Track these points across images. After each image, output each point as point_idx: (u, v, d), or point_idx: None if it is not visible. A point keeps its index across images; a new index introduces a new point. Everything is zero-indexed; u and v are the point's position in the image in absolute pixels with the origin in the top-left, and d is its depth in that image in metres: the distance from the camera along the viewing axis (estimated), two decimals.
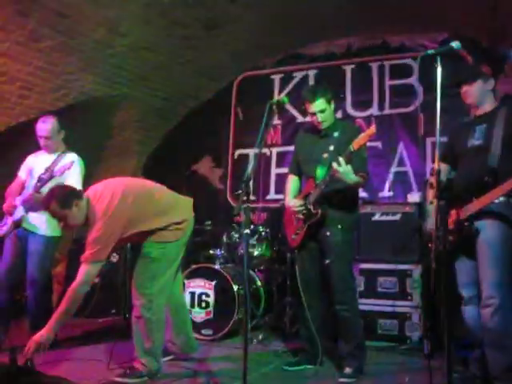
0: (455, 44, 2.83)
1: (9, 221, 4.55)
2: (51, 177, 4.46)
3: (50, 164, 4.61)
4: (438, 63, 2.78)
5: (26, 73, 5.53)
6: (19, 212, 4.51)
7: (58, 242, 4.80)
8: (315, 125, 4.06)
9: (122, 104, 6.69)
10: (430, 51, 2.82)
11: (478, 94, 3.50)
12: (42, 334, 3.31)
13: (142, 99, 6.72)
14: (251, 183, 3.21)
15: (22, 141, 5.38)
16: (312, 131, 4.17)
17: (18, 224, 4.53)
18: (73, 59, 5.64)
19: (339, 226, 3.90)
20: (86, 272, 3.49)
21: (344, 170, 3.60)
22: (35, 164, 4.74)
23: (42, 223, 4.57)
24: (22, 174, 4.80)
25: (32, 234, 4.57)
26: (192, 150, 7.34)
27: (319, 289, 4.08)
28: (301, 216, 3.99)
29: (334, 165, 3.60)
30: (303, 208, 3.95)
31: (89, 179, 7.05)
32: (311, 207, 3.90)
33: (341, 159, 3.60)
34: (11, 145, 5.76)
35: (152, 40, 5.83)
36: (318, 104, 3.94)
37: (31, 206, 4.50)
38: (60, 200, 3.52)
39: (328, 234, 3.91)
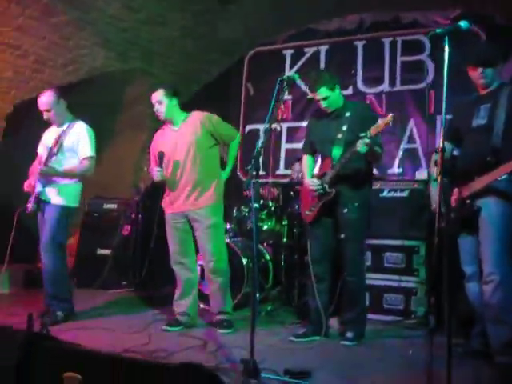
0: (463, 23, 2.83)
1: (32, 198, 4.58)
2: (60, 149, 4.55)
3: (58, 136, 4.66)
4: (446, 43, 2.79)
5: (39, 47, 5.61)
6: (38, 187, 4.55)
7: (74, 213, 4.81)
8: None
9: (135, 79, 6.76)
10: (438, 30, 2.83)
11: (492, 76, 3.53)
12: None
13: (154, 74, 6.77)
14: (261, 158, 3.33)
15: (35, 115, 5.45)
16: (323, 113, 4.25)
17: (38, 198, 4.56)
18: (86, 34, 5.70)
19: (356, 204, 4.05)
20: None
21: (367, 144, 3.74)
22: (46, 138, 4.79)
23: (54, 193, 4.60)
24: (40, 150, 4.83)
25: (47, 204, 4.60)
26: None
27: (330, 263, 4.22)
28: (316, 194, 4.10)
29: (359, 144, 3.74)
30: (320, 187, 4.07)
31: (102, 152, 7.20)
32: (326, 186, 4.04)
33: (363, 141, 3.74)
34: (25, 118, 5.85)
35: (165, 15, 5.86)
36: (320, 93, 4.08)
37: (42, 179, 4.55)
38: None
39: (345, 211, 4.05)
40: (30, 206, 4.53)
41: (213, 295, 4.52)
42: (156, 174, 4.35)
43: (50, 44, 5.60)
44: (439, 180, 2.64)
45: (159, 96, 4.41)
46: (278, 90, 3.44)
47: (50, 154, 4.57)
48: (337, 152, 4.04)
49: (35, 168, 4.70)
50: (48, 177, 4.56)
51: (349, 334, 4.07)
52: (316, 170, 4.42)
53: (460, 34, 2.87)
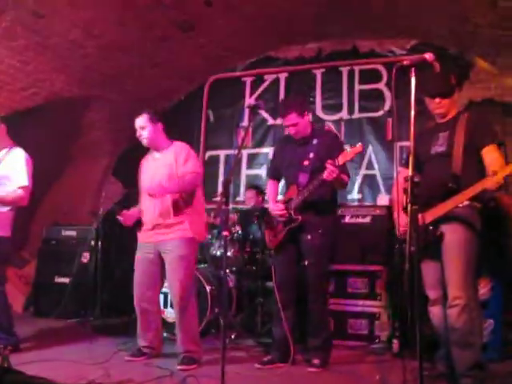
0: (428, 55, 2.93)
1: None
2: None
3: None
4: (412, 73, 2.88)
5: None
6: None
7: (5, 243, 4.44)
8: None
9: (93, 104, 6.68)
10: (405, 62, 2.91)
11: (449, 106, 3.64)
12: None
13: (113, 100, 6.71)
14: (230, 186, 3.34)
15: None
16: (291, 139, 4.29)
17: None
18: (45, 59, 5.62)
19: (319, 231, 4.07)
20: None
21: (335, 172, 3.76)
22: None
23: None
24: None
25: None
26: None
27: (294, 289, 4.22)
28: (282, 220, 4.13)
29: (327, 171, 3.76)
30: (284, 212, 4.09)
31: (60, 178, 7.07)
32: (292, 212, 4.06)
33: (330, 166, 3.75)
34: None
35: (126, 41, 5.84)
36: (289, 118, 4.11)
37: None
38: None
39: (309, 237, 4.07)
40: None
41: (180, 331, 4.22)
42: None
43: (9, 67, 5.49)
44: (409, 208, 2.70)
45: (143, 121, 4.24)
46: (249, 116, 3.47)
47: None
48: (303, 179, 4.08)
49: None
50: None
51: (315, 361, 4.06)
52: (281, 196, 4.46)
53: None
